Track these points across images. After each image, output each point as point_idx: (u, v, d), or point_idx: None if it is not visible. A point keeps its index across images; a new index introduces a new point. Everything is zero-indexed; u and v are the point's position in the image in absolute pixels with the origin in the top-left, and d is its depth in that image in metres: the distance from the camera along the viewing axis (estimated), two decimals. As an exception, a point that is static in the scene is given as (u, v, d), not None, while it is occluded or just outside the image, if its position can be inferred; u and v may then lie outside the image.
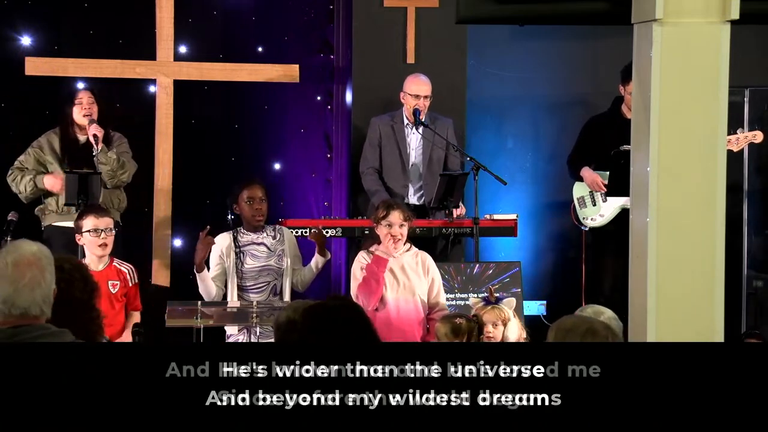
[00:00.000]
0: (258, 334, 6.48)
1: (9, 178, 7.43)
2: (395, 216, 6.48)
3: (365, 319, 3.67)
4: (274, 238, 6.89)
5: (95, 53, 7.98)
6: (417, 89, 7.78)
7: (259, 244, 6.86)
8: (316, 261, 6.89)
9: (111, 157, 7.32)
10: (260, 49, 8.50)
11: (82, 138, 7.42)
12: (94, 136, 7.27)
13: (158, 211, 7.83)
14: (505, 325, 5.83)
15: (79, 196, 6.93)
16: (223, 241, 6.84)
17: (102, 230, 6.47)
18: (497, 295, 6.05)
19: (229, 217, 7.03)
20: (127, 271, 6.58)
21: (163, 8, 7.84)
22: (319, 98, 8.65)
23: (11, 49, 8.15)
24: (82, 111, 7.36)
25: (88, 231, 6.46)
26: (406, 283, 6.47)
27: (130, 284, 6.57)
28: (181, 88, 7.96)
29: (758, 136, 7.75)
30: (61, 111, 7.52)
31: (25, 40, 8.18)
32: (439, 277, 6.65)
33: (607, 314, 4.74)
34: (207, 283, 6.73)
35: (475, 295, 6.73)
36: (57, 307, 4.42)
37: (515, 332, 5.85)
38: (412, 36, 8.25)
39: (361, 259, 6.54)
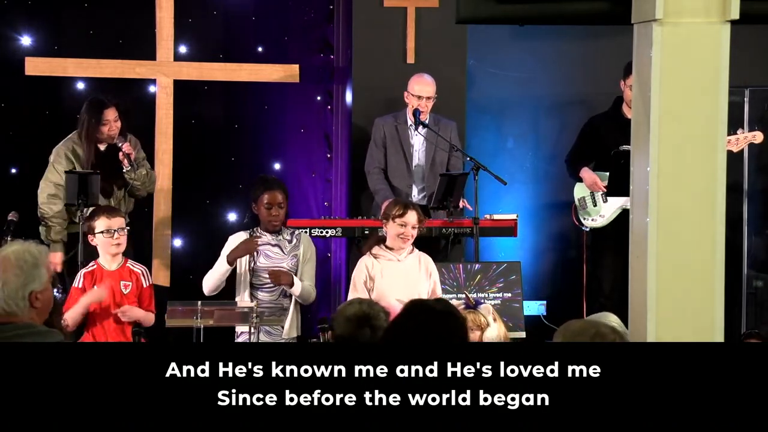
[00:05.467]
0: (265, 333, 6.50)
1: (45, 205, 7.30)
2: (411, 216, 6.50)
3: (462, 325, 3.74)
4: (290, 242, 6.83)
5: (95, 53, 7.98)
6: (420, 90, 7.77)
7: (274, 245, 6.81)
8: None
9: (141, 173, 7.32)
10: (260, 49, 8.49)
11: (103, 148, 7.37)
12: (126, 155, 7.23)
13: (158, 211, 7.84)
14: (482, 330, 5.82)
15: (79, 196, 6.92)
16: (239, 239, 6.82)
17: (115, 230, 6.46)
18: (474, 297, 6.05)
19: (245, 219, 7.02)
20: (140, 272, 6.52)
21: (163, 8, 7.85)
22: (319, 98, 8.65)
23: (11, 49, 8.14)
24: (110, 132, 7.30)
25: (101, 232, 6.45)
26: (410, 287, 6.48)
27: (144, 285, 6.50)
28: (181, 88, 7.96)
29: (758, 137, 7.74)
30: (85, 125, 7.33)
31: (25, 40, 8.18)
32: (438, 277, 6.73)
33: (610, 318, 4.77)
34: (220, 276, 6.71)
35: (455, 296, 6.74)
36: None
37: (493, 337, 5.82)
38: (412, 36, 8.24)
39: (364, 267, 6.55)
